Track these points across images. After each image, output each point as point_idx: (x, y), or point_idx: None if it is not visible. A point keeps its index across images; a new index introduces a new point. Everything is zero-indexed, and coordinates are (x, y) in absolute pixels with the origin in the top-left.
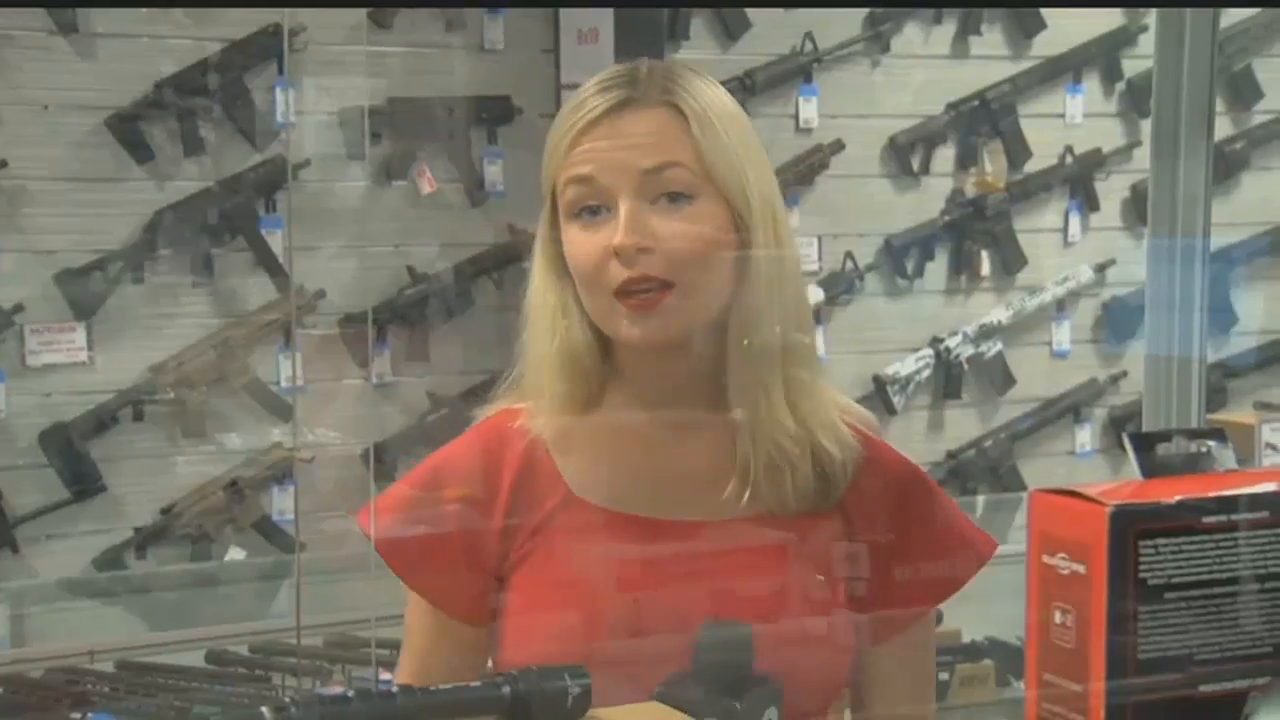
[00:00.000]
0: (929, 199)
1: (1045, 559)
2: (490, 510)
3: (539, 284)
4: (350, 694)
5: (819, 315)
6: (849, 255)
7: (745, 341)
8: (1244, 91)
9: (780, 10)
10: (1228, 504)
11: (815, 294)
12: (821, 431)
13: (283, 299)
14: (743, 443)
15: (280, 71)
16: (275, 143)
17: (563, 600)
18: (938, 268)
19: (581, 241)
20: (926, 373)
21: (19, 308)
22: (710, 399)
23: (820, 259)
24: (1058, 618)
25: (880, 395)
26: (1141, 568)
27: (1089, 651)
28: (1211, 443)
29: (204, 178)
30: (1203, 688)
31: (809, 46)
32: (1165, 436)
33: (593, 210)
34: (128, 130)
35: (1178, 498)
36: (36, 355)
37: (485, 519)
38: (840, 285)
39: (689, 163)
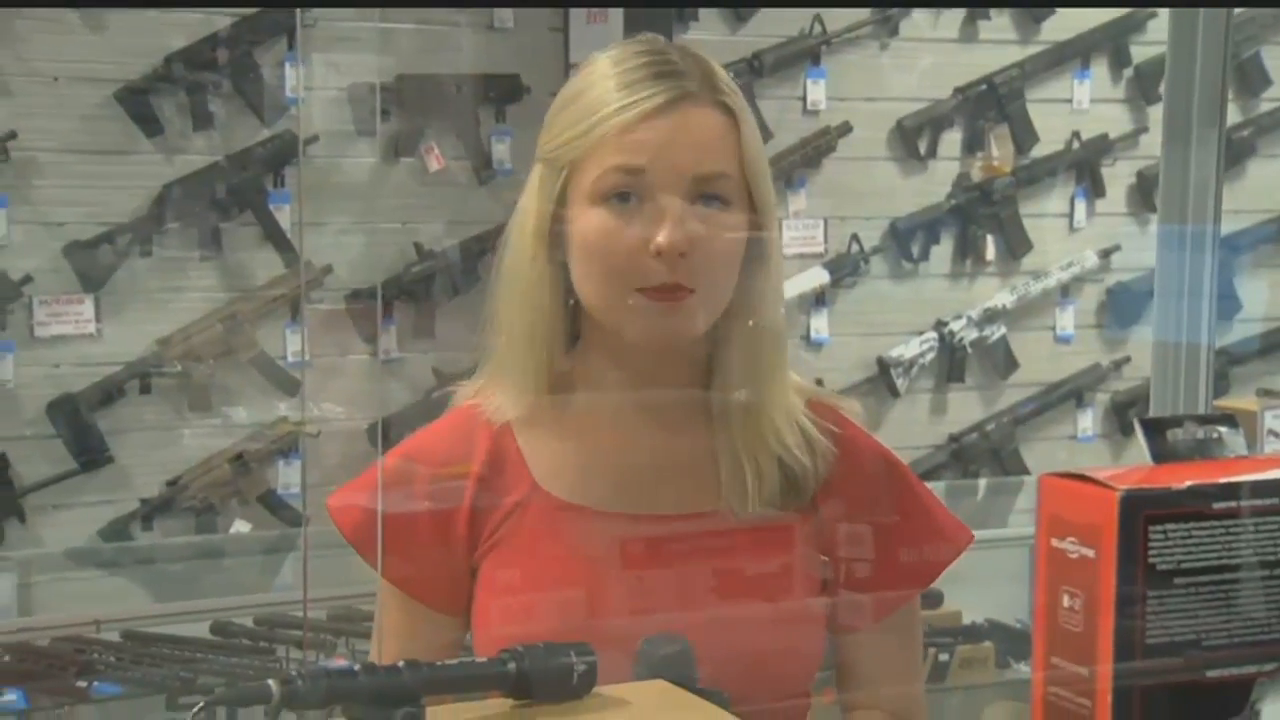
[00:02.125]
0: (935, 183)
1: (1054, 542)
2: (460, 496)
3: (526, 254)
4: (356, 667)
5: (824, 298)
6: (855, 238)
7: (744, 332)
8: (1252, 79)
9: None
10: (1238, 490)
11: (820, 276)
12: (791, 432)
13: (290, 274)
14: (721, 437)
15: (290, 47)
16: (284, 118)
17: (522, 590)
18: (943, 251)
19: (611, 230)
20: (930, 356)
21: (27, 279)
22: (681, 395)
23: (826, 241)
24: (1066, 601)
25: (884, 378)
26: (1151, 553)
27: (1097, 635)
28: (1222, 429)
29: (213, 152)
30: (1210, 673)
31: (817, 29)
32: (1176, 422)
33: (624, 197)
34: (137, 104)
35: (1188, 483)
36: (45, 326)
37: (456, 505)
38: (846, 268)
39: (733, 171)
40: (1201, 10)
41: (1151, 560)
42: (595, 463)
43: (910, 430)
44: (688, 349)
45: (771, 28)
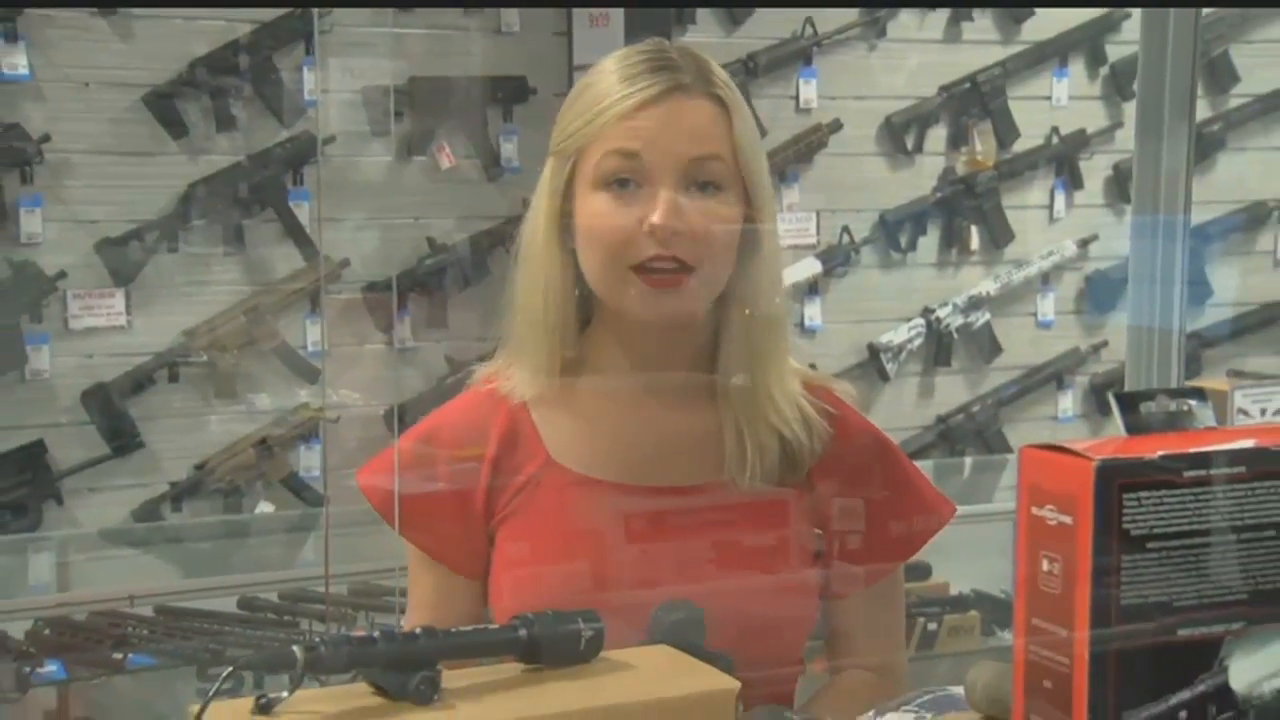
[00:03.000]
0: (922, 177)
1: (1034, 510)
2: (478, 469)
3: (539, 241)
4: (376, 635)
5: (817, 287)
6: (846, 229)
7: (745, 317)
8: (1221, 76)
9: None
10: (1207, 459)
11: (813, 266)
12: (790, 409)
13: (310, 268)
14: (725, 415)
15: (308, 52)
16: (303, 120)
17: (536, 560)
18: (930, 242)
19: (609, 213)
20: (918, 341)
21: (62, 274)
22: (687, 375)
23: (818, 233)
24: (1045, 566)
25: (874, 362)
26: (1125, 519)
27: (1074, 598)
28: (1192, 402)
29: (235, 152)
30: (1181, 632)
31: (809, 31)
32: (1148, 396)
33: (623, 183)
34: (164, 107)
35: (1160, 453)
36: (78, 319)
37: (474, 477)
38: (837, 258)
39: (726, 156)
40: (1172, 10)
41: (1125, 526)
42: (606, 438)
43: (899, 412)
44: (692, 332)
45: (765, 29)
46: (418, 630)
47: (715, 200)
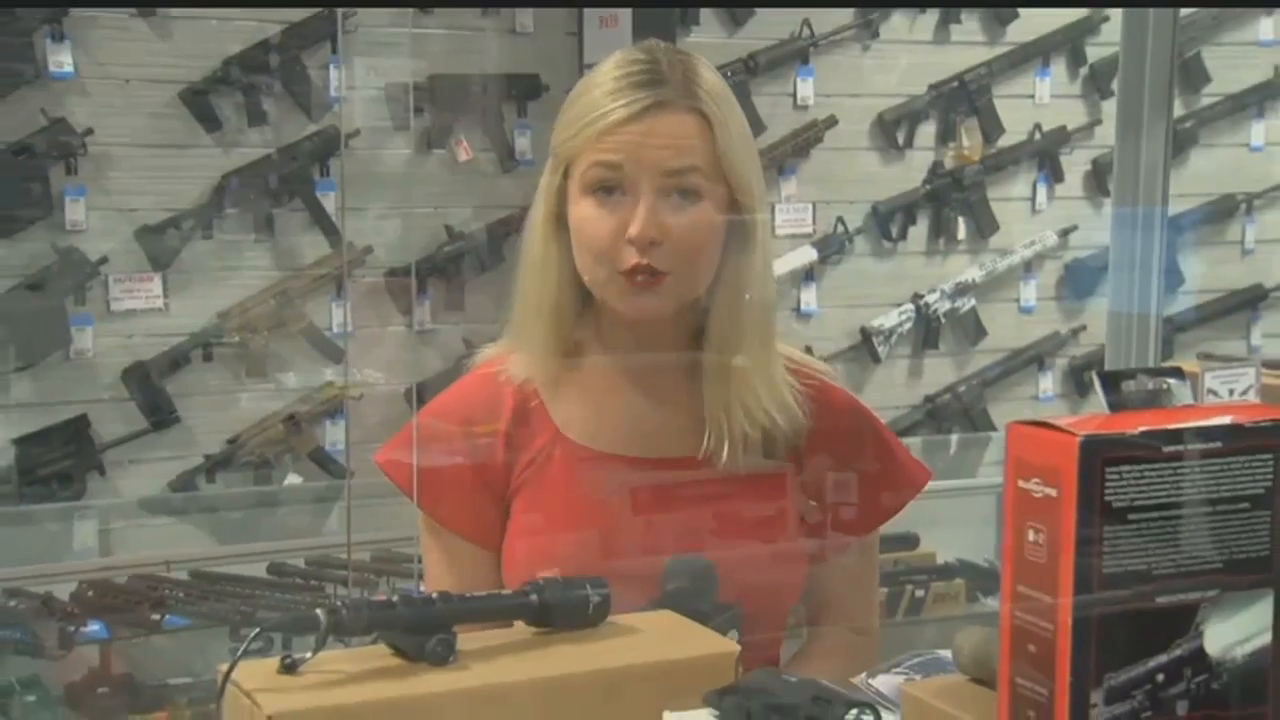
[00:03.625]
0: (912, 170)
1: (1021, 483)
2: (494, 445)
3: (539, 235)
4: (395, 600)
5: (813, 273)
6: (840, 220)
7: (732, 306)
8: (1194, 76)
9: None
10: (1186, 435)
11: (809, 254)
12: (774, 390)
13: (335, 254)
14: (710, 395)
15: (333, 51)
16: (329, 115)
17: (549, 527)
18: (919, 231)
19: (596, 219)
20: (908, 325)
21: (104, 260)
22: (680, 356)
23: (814, 223)
24: (1031, 536)
25: (866, 345)
26: (1107, 492)
27: (1058, 566)
28: (1171, 381)
29: (265, 146)
30: (1159, 599)
31: (806, 32)
32: (1130, 375)
33: (608, 190)
34: (198, 103)
35: (1141, 429)
36: (119, 302)
37: (490, 452)
38: (832, 246)
39: (705, 166)
40: (1151, 12)
41: (1108, 498)
42: (606, 414)
43: (890, 392)
44: (680, 320)
45: (765, 31)
46: (434, 595)
47: (695, 208)
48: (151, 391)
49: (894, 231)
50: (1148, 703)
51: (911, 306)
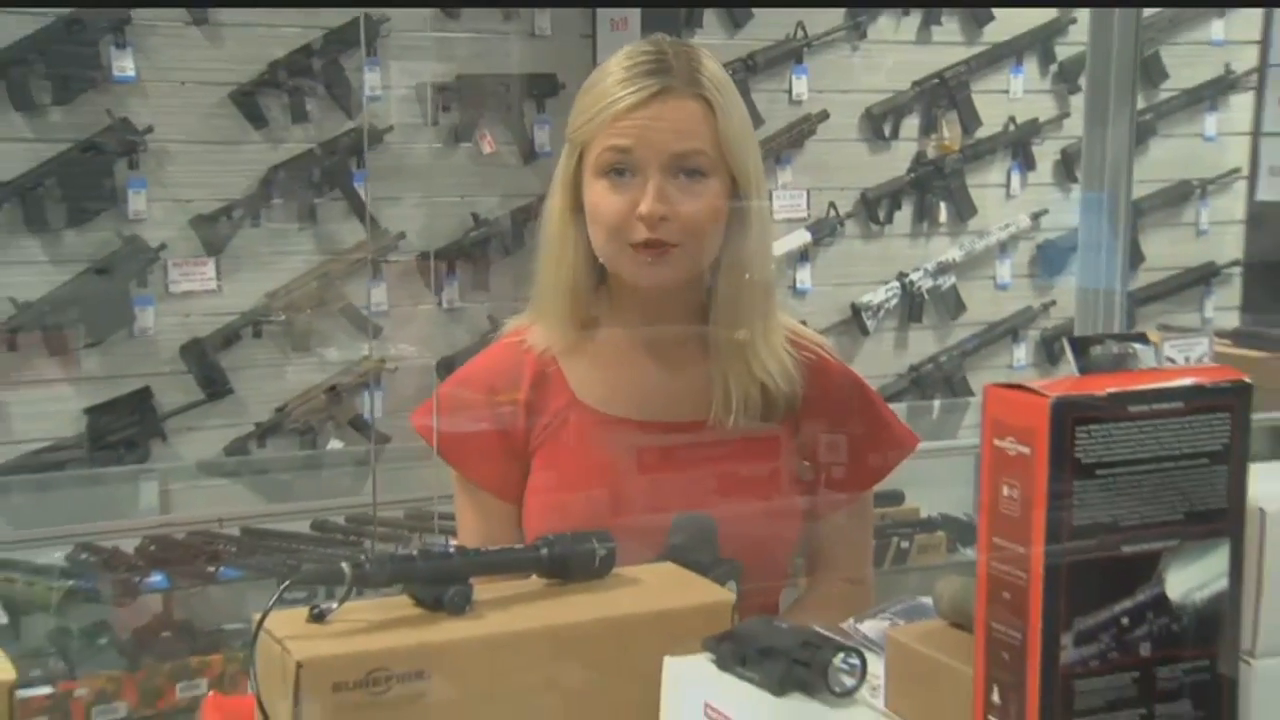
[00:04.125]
0: (897, 159)
1: (997, 442)
2: (517, 408)
3: (556, 216)
4: (415, 553)
5: (807, 254)
6: (832, 205)
7: (735, 281)
8: (1153, 73)
9: None
10: (1150, 396)
11: (804, 236)
12: (774, 360)
13: (371, 239)
14: (714, 364)
15: (369, 54)
16: (364, 113)
17: (563, 485)
18: (904, 215)
19: (609, 199)
20: (894, 301)
21: (163, 246)
22: (685, 330)
23: (808, 208)
24: (1005, 491)
25: (856, 320)
26: (1077, 449)
27: (1031, 519)
28: (1137, 346)
29: (308, 141)
30: (1125, 549)
31: (800, 33)
32: (1099, 340)
33: (619, 172)
34: (247, 103)
35: (1108, 390)
36: (177, 284)
37: (513, 415)
38: (825, 230)
39: (709, 149)
40: (1116, 13)
41: (1077, 456)
42: (620, 381)
43: (878, 362)
44: (688, 293)
45: (763, 32)
46: (452, 548)
47: (700, 186)
48: (207, 365)
49: (881, 215)
50: (1113, 644)
51: (897, 284)
